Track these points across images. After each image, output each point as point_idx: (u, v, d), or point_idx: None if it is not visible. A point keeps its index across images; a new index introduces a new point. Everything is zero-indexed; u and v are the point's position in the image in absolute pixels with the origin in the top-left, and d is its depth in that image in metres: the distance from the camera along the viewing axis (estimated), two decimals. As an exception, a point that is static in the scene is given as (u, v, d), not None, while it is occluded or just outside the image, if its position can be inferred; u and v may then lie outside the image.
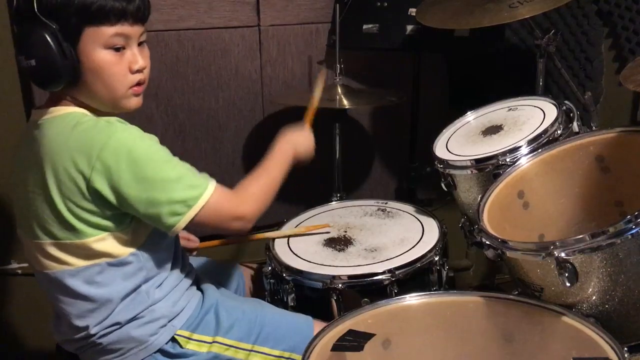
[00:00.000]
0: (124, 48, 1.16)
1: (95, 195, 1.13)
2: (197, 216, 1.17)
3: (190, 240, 1.55)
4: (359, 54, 2.05)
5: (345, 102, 1.83)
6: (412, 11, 1.91)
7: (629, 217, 1.05)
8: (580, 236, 1.07)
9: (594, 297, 1.11)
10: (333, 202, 1.82)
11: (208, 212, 1.18)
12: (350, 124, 2.12)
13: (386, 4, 1.98)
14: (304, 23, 2.00)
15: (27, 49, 1.11)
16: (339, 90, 1.86)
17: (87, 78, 1.14)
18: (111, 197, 1.13)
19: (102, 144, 1.11)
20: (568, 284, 1.08)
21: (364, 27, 1.99)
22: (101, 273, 1.19)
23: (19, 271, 1.90)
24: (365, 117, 2.18)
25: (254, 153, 2.06)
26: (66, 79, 1.13)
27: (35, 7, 1.09)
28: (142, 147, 1.14)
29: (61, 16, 1.10)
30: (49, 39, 1.09)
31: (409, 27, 1.95)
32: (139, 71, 1.18)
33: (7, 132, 1.77)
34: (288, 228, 1.64)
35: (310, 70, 2.05)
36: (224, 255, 1.68)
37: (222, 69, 1.97)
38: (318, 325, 1.32)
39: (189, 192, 1.16)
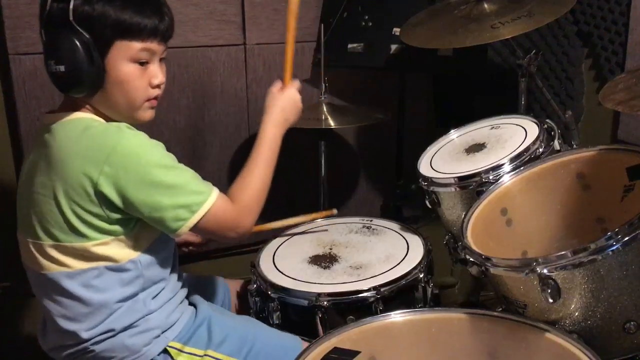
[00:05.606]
0: (147, 62, 1.19)
1: (102, 199, 1.14)
2: (199, 222, 1.18)
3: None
4: (344, 73, 2.06)
5: (330, 120, 1.84)
6: (397, 31, 1.94)
7: (609, 233, 1.06)
8: (562, 252, 1.08)
9: (576, 314, 1.12)
10: (318, 219, 1.82)
11: (209, 219, 1.19)
12: (336, 141, 2.13)
13: (371, 24, 2.00)
14: (290, 42, 2.01)
15: (58, 54, 1.13)
16: (324, 108, 1.88)
17: (109, 88, 1.17)
18: (117, 200, 1.15)
19: (111, 149, 1.13)
20: (551, 300, 1.09)
21: (349, 46, 2.01)
22: (99, 277, 1.19)
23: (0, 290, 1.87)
24: (350, 135, 2.19)
25: (239, 171, 2.07)
26: (90, 86, 1.15)
27: (71, 15, 1.11)
28: (150, 153, 1.16)
29: (95, 27, 1.12)
30: (80, 47, 1.12)
31: (394, 47, 1.97)
32: (157, 86, 1.22)
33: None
34: (274, 245, 1.64)
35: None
36: (207, 271, 1.66)
37: (207, 87, 1.98)
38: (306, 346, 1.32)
39: (193, 198, 1.18)
